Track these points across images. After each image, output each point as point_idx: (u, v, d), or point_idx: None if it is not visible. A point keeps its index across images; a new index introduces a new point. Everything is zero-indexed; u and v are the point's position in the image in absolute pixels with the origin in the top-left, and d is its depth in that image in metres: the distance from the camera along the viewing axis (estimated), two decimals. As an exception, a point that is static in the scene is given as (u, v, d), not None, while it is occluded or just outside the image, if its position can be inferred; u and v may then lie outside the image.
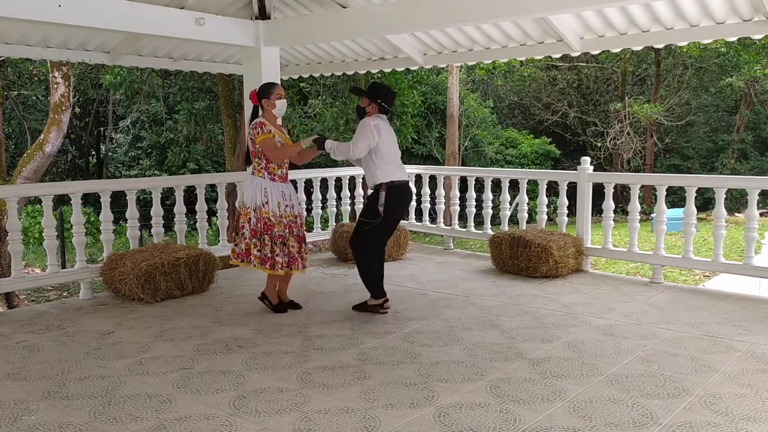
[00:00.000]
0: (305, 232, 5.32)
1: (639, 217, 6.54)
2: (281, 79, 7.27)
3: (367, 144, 4.95)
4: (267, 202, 5.03)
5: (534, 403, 3.46)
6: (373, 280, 5.16)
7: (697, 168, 21.58)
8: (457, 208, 8.08)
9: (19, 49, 6.83)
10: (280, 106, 5.11)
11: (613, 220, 6.73)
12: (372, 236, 5.10)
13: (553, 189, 12.21)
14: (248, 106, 5.42)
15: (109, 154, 21.50)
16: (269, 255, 5.05)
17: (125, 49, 7.33)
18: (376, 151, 5.00)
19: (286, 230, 5.10)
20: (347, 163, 8.13)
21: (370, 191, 5.18)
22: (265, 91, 5.12)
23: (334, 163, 12.57)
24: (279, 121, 5.20)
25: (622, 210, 15.28)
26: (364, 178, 6.91)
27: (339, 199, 8.25)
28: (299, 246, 5.19)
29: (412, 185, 8.43)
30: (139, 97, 16.55)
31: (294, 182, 7.87)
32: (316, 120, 14.56)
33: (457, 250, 8.16)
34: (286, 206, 5.11)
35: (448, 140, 17.39)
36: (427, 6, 5.50)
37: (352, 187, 8.26)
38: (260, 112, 5.13)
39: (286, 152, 5.06)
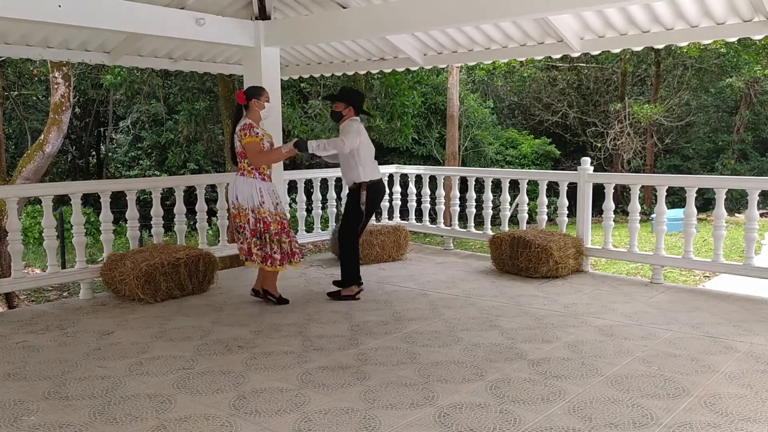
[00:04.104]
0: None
1: (639, 218, 6.55)
2: (281, 80, 7.27)
3: (354, 140, 5.29)
4: (263, 202, 5.16)
5: (534, 404, 3.46)
6: (356, 269, 5.62)
7: (697, 168, 21.57)
8: (457, 208, 8.08)
9: (20, 49, 6.82)
10: (269, 108, 5.30)
11: (614, 220, 6.73)
12: (354, 229, 5.55)
13: (553, 189, 12.25)
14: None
15: (109, 154, 21.49)
16: (269, 253, 5.22)
17: (125, 50, 7.33)
18: (357, 152, 5.35)
19: (279, 227, 5.24)
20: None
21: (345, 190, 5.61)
22: (255, 92, 5.25)
23: (336, 164, 12.55)
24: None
25: (622, 210, 15.28)
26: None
27: (339, 199, 8.23)
28: (290, 241, 5.32)
29: (412, 185, 8.56)
30: (140, 97, 16.54)
31: (294, 182, 7.92)
32: (316, 120, 14.55)
33: (457, 251, 8.16)
34: (278, 204, 5.28)
35: (448, 140, 17.39)
36: (427, 6, 5.50)
37: (352, 188, 8.25)
38: (245, 113, 5.22)
39: (267, 158, 5.20)
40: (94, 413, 3.39)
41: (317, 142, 5.28)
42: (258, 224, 5.19)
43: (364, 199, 5.39)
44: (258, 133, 5.12)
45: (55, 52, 7.17)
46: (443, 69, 18.29)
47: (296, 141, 5.29)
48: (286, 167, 7.50)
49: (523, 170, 12.59)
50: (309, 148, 5.21)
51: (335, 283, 5.82)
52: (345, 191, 8.20)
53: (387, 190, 6.47)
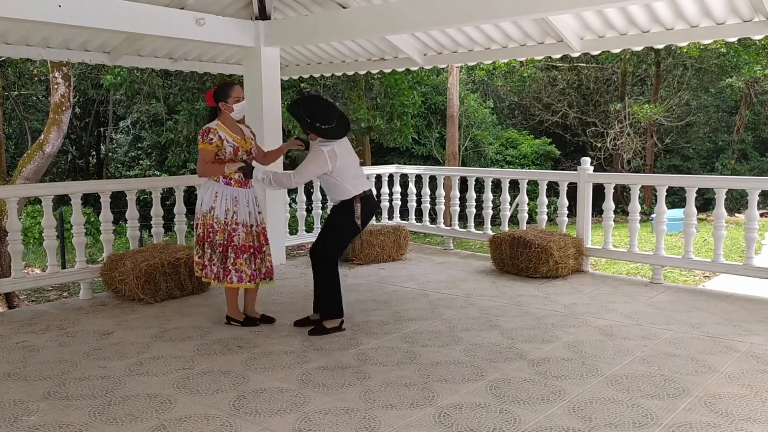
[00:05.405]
0: (260, 243, 4.87)
1: (639, 218, 6.54)
2: (281, 79, 7.27)
3: (315, 173, 4.65)
4: (213, 208, 4.69)
5: (534, 404, 3.46)
6: (339, 296, 4.80)
7: (697, 168, 21.58)
8: (457, 208, 8.08)
9: (20, 49, 6.83)
10: (238, 109, 4.74)
11: (614, 220, 6.73)
12: (340, 249, 4.94)
13: (553, 189, 12.25)
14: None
15: (109, 154, 21.51)
16: (206, 263, 4.75)
17: (125, 50, 7.33)
18: (338, 173, 4.63)
19: (228, 239, 4.71)
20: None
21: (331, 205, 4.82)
22: (221, 94, 4.70)
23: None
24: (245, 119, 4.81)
25: (622, 210, 15.28)
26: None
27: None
28: (250, 258, 4.78)
29: (412, 185, 8.56)
30: (140, 97, 16.54)
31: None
32: (316, 120, 14.53)
33: (457, 251, 8.16)
34: (234, 212, 4.71)
35: (448, 140, 17.40)
36: (427, 6, 5.50)
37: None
38: (218, 113, 4.74)
39: (208, 171, 4.67)
40: (94, 413, 3.39)
41: (265, 173, 4.65)
42: (203, 231, 4.72)
43: (359, 213, 4.68)
44: (212, 140, 4.61)
45: (55, 52, 7.18)
46: (443, 69, 18.30)
47: (243, 166, 4.68)
48: (286, 167, 7.49)
49: (523, 170, 12.58)
50: (254, 176, 4.69)
51: (299, 321, 4.94)
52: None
53: (378, 207, 5.51)
